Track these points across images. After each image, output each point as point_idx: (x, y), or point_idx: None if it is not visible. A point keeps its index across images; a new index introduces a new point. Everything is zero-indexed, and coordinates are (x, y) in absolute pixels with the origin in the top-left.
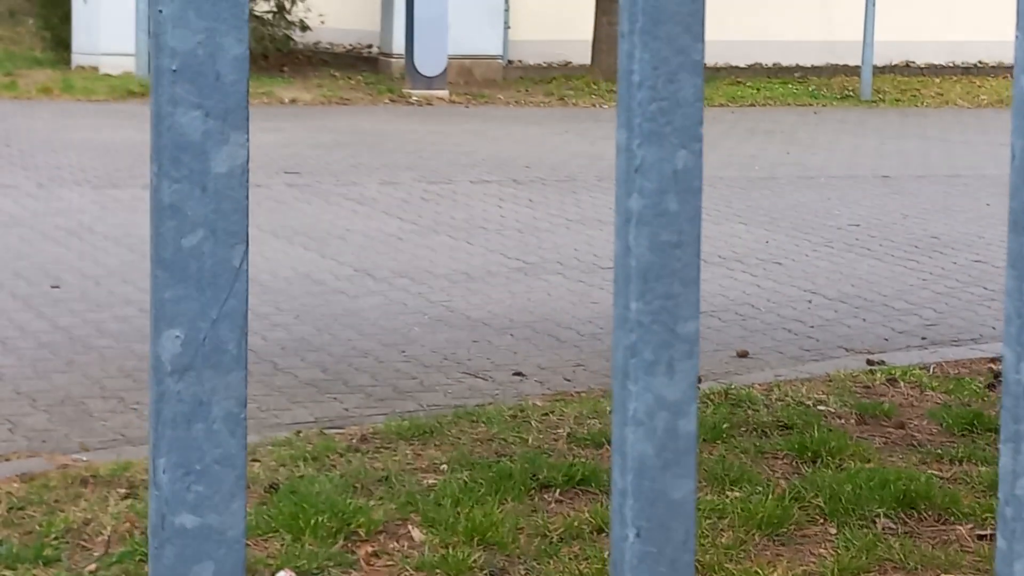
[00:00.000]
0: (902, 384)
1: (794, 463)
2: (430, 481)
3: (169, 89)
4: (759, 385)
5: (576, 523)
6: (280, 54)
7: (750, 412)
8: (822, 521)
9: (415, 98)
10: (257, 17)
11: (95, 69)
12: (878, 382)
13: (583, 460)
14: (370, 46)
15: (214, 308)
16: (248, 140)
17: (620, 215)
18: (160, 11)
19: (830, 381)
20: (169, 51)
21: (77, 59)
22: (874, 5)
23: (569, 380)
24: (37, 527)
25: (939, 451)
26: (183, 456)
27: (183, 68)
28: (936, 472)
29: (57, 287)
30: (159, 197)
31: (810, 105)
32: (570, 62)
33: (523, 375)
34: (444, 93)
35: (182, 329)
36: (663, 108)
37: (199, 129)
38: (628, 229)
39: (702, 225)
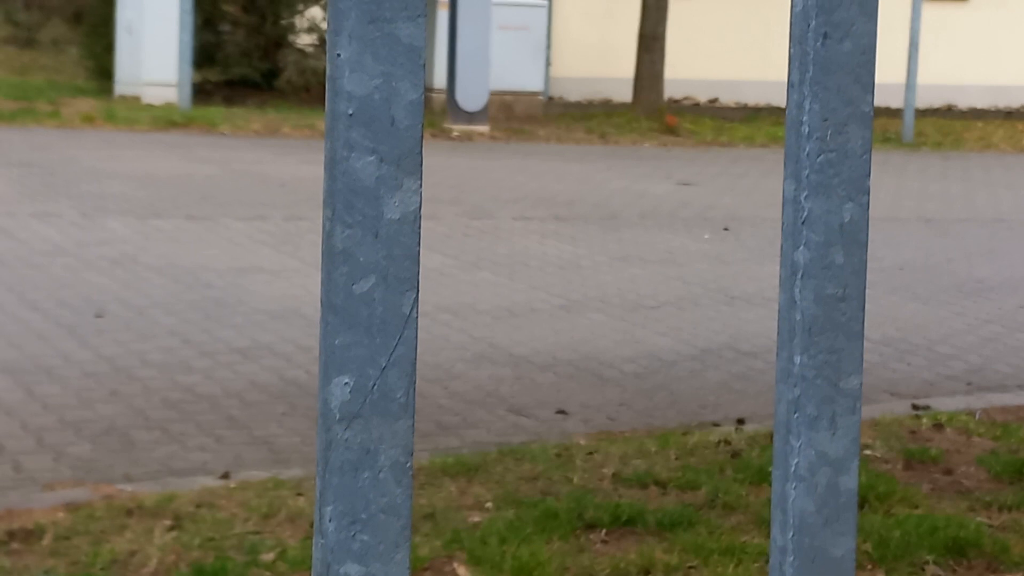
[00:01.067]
0: (948, 429)
1: None
2: (475, 519)
3: (344, 133)
4: None
5: (623, 564)
6: (322, 86)
7: None
8: (870, 567)
9: (456, 133)
10: (299, 50)
11: (137, 99)
12: (924, 427)
13: (629, 500)
14: None
15: (383, 355)
16: (421, 186)
17: (786, 267)
18: (338, 55)
19: (876, 425)
20: (345, 95)
21: (120, 88)
22: (917, 48)
23: (612, 419)
24: (83, 557)
25: (988, 498)
26: (349, 505)
27: (359, 112)
28: (985, 519)
29: (101, 316)
30: (332, 242)
31: None
32: (611, 99)
33: (566, 413)
34: (485, 128)
35: (351, 376)
36: (831, 160)
37: (373, 174)
38: (794, 282)
39: (747, 265)
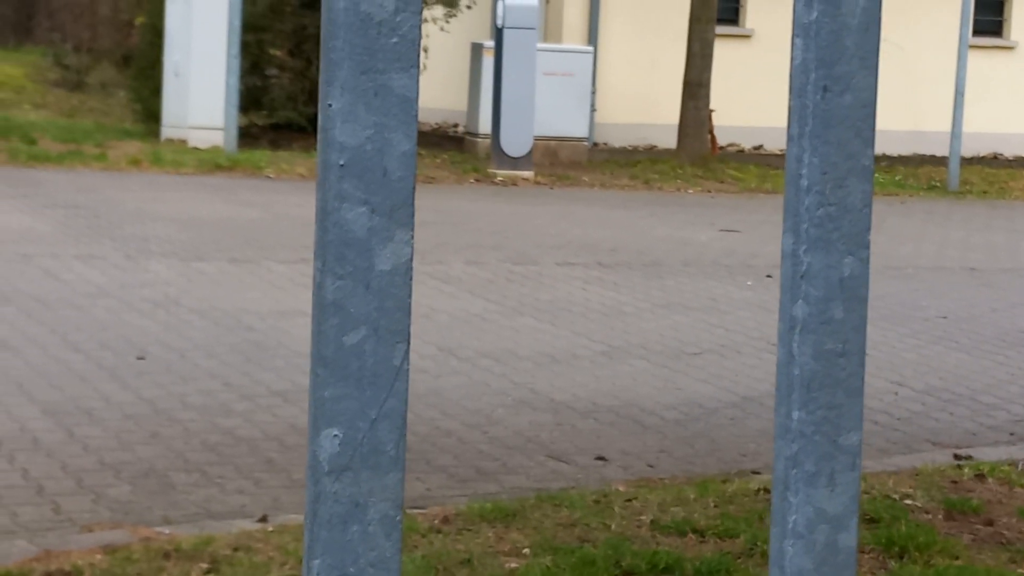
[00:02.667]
0: (990, 480)
1: (881, 558)
2: (512, 565)
3: (336, 184)
4: None
5: None
6: None
7: None
8: None
9: (500, 178)
10: None
11: (184, 142)
12: (966, 477)
13: (667, 548)
14: (456, 125)
15: (374, 408)
16: (413, 238)
17: (784, 322)
18: (329, 105)
19: (917, 475)
20: (337, 146)
21: (166, 132)
22: (962, 96)
23: (652, 466)
24: None
25: None
26: (338, 558)
27: (351, 163)
28: None
29: (143, 358)
30: (322, 294)
31: (896, 195)
32: (655, 146)
33: (606, 460)
34: (529, 174)
35: (341, 428)
36: (831, 214)
37: (364, 225)
38: (792, 337)
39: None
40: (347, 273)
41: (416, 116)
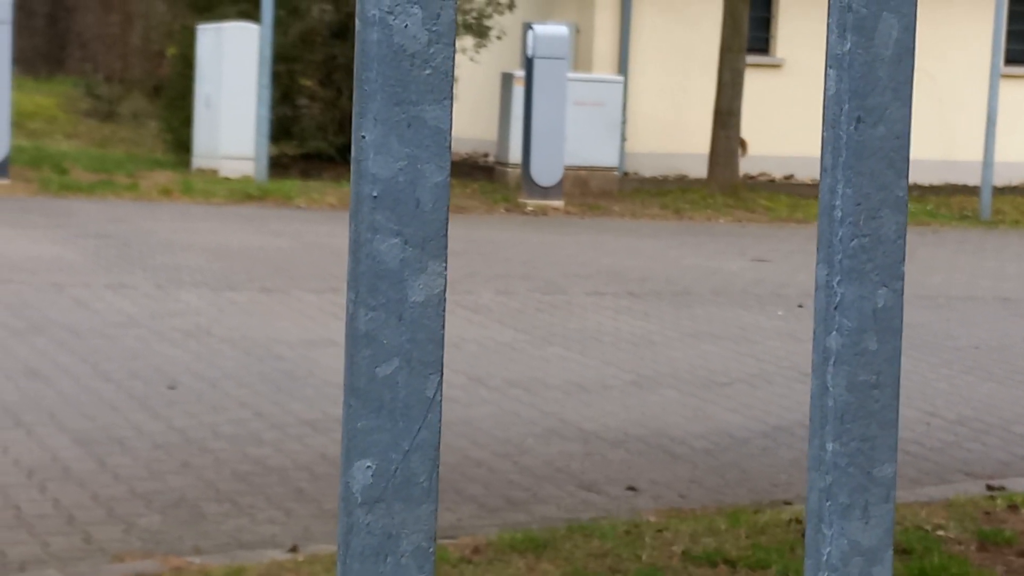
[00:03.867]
0: (1022, 511)
1: None
2: None
3: (369, 216)
4: None
5: None
6: None
7: None
8: None
9: (530, 208)
10: None
11: (215, 172)
12: (999, 508)
13: None
14: (487, 155)
15: (406, 439)
16: (446, 269)
17: (818, 353)
18: (363, 136)
19: (950, 506)
20: (370, 177)
21: (197, 161)
22: (994, 125)
23: (683, 496)
24: None
25: None
26: None
27: (383, 195)
28: None
29: (173, 388)
30: (355, 325)
31: (928, 224)
32: (686, 175)
33: (636, 490)
34: (559, 203)
35: (373, 460)
36: (864, 245)
37: (397, 257)
38: (826, 368)
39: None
40: (380, 304)
41: (449, 147)
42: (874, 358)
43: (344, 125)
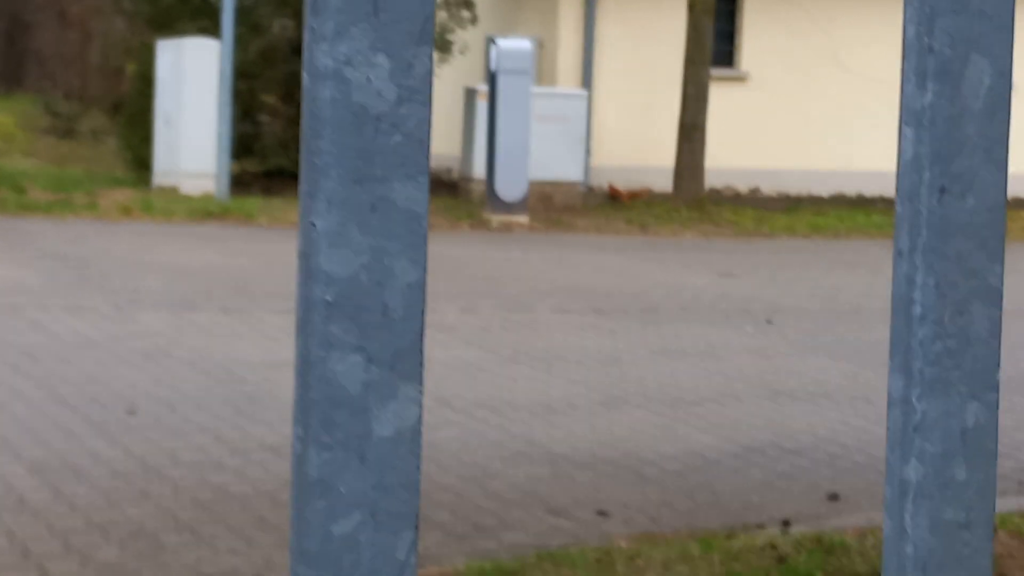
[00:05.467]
0: (1001, 533)
1: None
2: None
3: (322, 327)
4: (852, 530)
5: None
6: None
7: (844, 560)
8: None
9: (495, 223)
10: None
11: (175, 189)
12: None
13: None
14: (450, 170)
15: None
16: (422, 394)
17: (893, 487)
18: (313, 224)
19: None
20: (323, 277)
21: (157, 179)
22: None
23: (654, 520)
24: None
25: None
26: None
27: (341, 300)
28: None
29: (132, 413)
30: (304, 470)
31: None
32: (651, 189)
33: (606, 514)
34: (524, 219)
35: None
36: (950, 348)
37: (359, 380)
38: (904, 505)
39: (790, 359)
40: (337, 442)
41: (425, 237)
42: (963, 491)
43: None
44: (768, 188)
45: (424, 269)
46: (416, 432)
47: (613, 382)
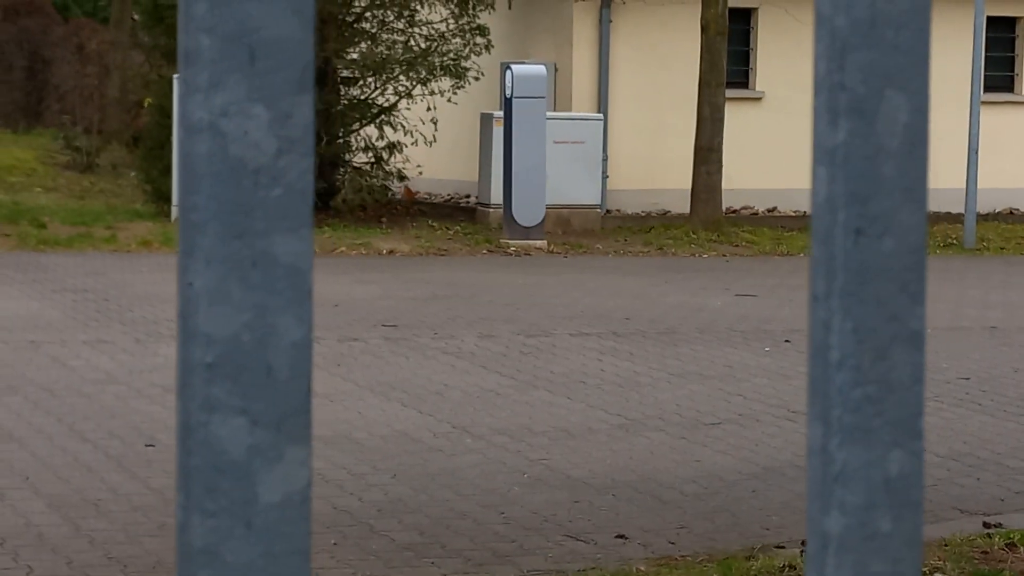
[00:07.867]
0: (1022, 549)
1: None
2: None
3: (203, 390)
4: None
5: None
6: (378, 204)
7: None
8: None
9: (513, 248)
10: (356, 168)
11: None
12: (996, 547)
13: None
14: (468, 196)
15: None
16: (310, 456)
17: (814, 538)
18: (190, 284)
19: (945, 546)
20: (202, 339)
21: (177, 212)
22: (976, 153)
23: (673, 543)
24: None
25: None
26: None
27: (221, 361)
28: None
29: (152, 446)
30: (187, 539)
31: None
32: (668, 211)
33: (625, 538)
34: (542, 243)
35: None
36: (871, 395)
37: (243, 443)
38: (825, 559)
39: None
40: (221, 509)
41: (310, 293)
42: (889, 543)
43: (324, 170)
44: (785, 207)
45: (310, 326)
46: (305, 497)
47: (631, 405)
